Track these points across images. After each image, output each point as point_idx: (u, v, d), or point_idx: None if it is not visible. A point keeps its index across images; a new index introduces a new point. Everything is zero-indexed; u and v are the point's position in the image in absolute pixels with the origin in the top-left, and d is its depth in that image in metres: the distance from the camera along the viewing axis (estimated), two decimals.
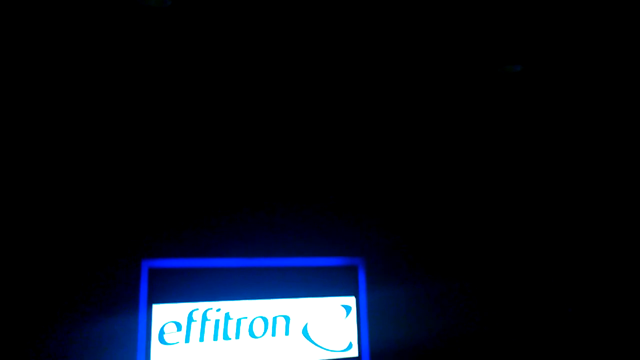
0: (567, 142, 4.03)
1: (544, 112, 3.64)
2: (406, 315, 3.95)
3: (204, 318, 3.38)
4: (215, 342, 3.40)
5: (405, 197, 4.06)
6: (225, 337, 3.43)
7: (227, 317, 3.45)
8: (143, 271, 3.25)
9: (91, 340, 3.09)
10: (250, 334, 3.50)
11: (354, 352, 3.81)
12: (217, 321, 3.42)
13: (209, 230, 3.49)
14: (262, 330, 3.53)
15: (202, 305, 3.40)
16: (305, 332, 3.67)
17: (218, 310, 3.44)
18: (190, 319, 3.34)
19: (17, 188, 3.03)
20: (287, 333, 3.60)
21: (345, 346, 3.79)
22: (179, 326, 3.31)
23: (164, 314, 3.29)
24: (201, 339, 3.36)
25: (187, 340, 3.32)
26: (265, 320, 3.55)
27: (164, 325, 3.27)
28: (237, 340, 3.46)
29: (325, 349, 3.71)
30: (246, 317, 3.50)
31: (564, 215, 4.12)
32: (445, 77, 3.09)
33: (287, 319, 3.62)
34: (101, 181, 3.23)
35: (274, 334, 3.57)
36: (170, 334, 3.28)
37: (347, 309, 3.82)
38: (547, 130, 3.89)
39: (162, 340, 3.25)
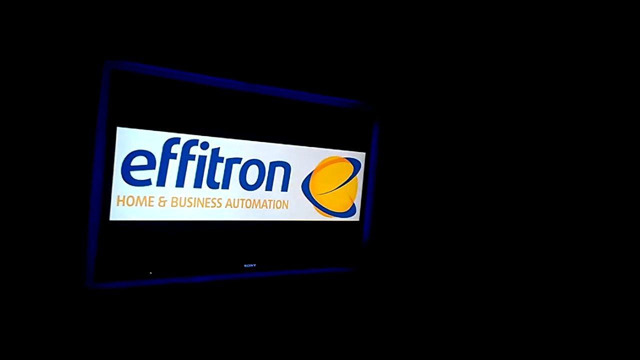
0: None
1: None
2: (419, 184, 3.35)
3: (186, 154, 2.46)
4: (198, 189, 2.52)
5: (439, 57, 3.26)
6: (211, 183, 2.56)
7: (216, 156, 2.56)
8: (104, 76, 2.19)
9: (37, 167, 2.07)
10: (241, 184, 2.67)
11: (356, 216, 3.18)
12: (201, 160, 2.52)
13: (198, 34, 2.45)
14: (256, 180, 2.71)
15: (184, 137, 2.46)
16: (305, 187, 2.92)
17: (205, 146, 2.52)
18: (167, 152, 2.40)
19: None
20: (284, 188, 2.83)
21: (347, 209, 3.13)
22: (151, 160, 2.36)
23: (131, 140, 2.30)
24: (179, 183, 2.47)
25: (160, 182, 2.41)
26: (261, 167, 2.72)
27: (131, 157, 2.31)
28: (226, 190, 2.61)
29: (325, 209, 3.02)
30: (239, 160, 2.64)
31: None
32: None
33: (287, 168, 2.82)
34: None
35: (269, 187, 2.77)
36: (139, 171, 2.34)
37: (356, 165, 3.11)
38: None
39: (126, 176, 2.30)
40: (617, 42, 2.66)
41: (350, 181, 3.10)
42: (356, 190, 3.14)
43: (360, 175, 3.14)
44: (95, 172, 2.21)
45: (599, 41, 2.71)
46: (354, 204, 3.14)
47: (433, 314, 3.27)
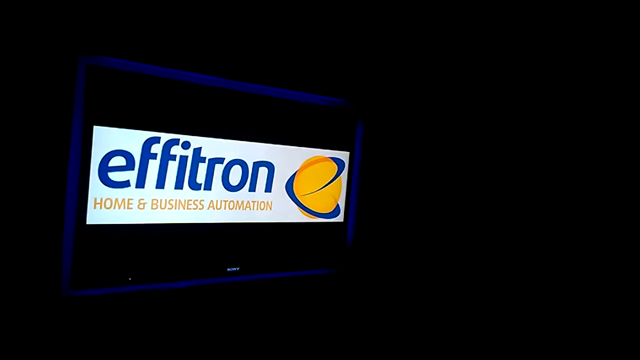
0: None
1: None
2: (404, 184, 3.33)
3: (166, 154, 2.36)
4: (179, 191, 2.43)
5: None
6: (193, 184, 2.47)
7: (197, 156, 2.47)
8: (80, 71, 2.08)
9: (8, 169, 1.95)
10: (224, 185, 2.58)
11: (340, 217, 3.13)
12: (182, 160, 2.42)
13: (179, 29, 2.36)
14: (239, 180, 2.64)
15: (165, 136, 2.36)
16: (289, 187, 2.86)
17: (186, 146, 2.43)
18: (146, 152, 2.30)
19: None
20: (268, 189, 2.76)
21: (331, 209, 3.08)
22: (130, 161, 2.26)
23: (109, 140, 2.20)
24: (160, 185, 2.37)
25: (140, 183, 2.30)
26: (244, 167, 2.65)
27: (109, 158, 2.20)
28: (208, 192, 2.53)
29: (309, 210, 2.97)
30: (222, 160, 2.56)
31: None
32: None
33: (270, 168, 2.75)
34: None
35: (252, 189, 2.70)
36: (117, 172, 2.23)
37: (340, 165, 3.06)
38: None
39: (104, 178, 2.19)
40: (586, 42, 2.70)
41: (335, 181, 3.06)
42: (340, 191, 3.10)
43: (344, 175, 3.10)
44: (70, 174, 2.09)
45: (573, 32, 2.75)
46: (338, 205, 3.10)
47: (417, 315, 3.25)
